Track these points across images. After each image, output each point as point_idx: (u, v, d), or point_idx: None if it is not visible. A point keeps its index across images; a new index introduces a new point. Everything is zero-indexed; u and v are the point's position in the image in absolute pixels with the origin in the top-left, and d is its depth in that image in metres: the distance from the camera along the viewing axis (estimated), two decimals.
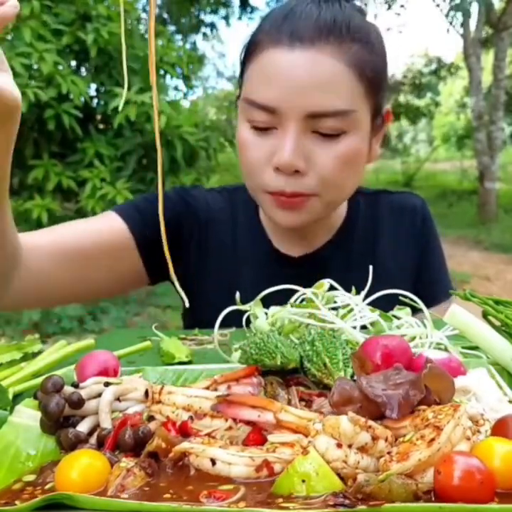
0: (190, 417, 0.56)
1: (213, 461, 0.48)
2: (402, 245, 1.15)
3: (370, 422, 0.47)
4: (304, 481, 0.45)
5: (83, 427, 0.57)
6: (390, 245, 1.14)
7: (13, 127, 0.74)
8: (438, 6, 8.92)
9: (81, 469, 0.47)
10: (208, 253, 1.12)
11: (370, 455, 0.47)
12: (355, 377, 0.58)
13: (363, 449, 0.47)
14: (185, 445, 0.49)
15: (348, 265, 1.09)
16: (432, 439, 0.46)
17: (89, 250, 1.00)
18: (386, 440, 0.48)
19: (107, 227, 1.03)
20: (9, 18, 0.64)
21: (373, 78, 0.93)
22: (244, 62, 0.96)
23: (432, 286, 1.14)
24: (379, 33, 0.97)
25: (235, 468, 0.48)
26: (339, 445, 0.46)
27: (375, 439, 0.47)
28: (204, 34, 10.48)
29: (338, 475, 0.46)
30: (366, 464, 0.46)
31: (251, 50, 0.94)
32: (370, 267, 0.86)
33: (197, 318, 1.05)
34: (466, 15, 8.25)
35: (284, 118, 0.89)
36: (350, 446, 0.46)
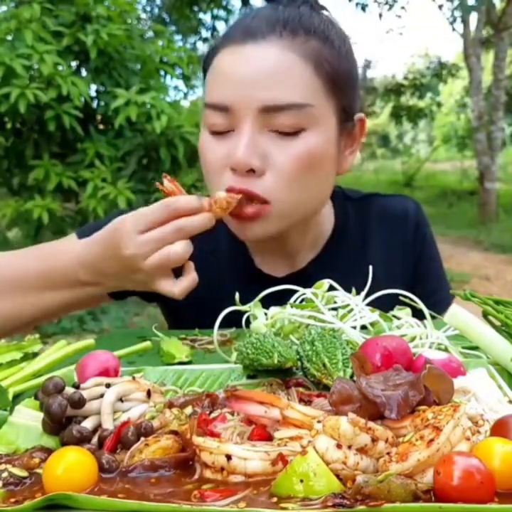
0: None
1: (229, 457, 0.48)
2: (392, 255, 1.09)
3: (370, 424, 0.47)
4: (302, 481, 0.45)
5: (85, 426, 0.57)
6: (379, 255, 1.08)
7: None
8: (440, 7, 8.92)
9: (66, 466, 0.47)
10: None
11: (370, 456, 0.47)
12: (354, 378, 0.58)
13: (362, 450, 0.47)
14: (198, 440, 0.49)
15: (337, 281, 0.93)
16: (432, 440, 0.46)
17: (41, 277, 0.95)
18: (386, 441, 0.47)
19: (65, 250, 0.96)
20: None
21: (334, 75, 0.89)
22: (205, 71, 0.95)
23: (431, 297, 1.02)
24: (346, 39, 0.94)
25: (251, 463, 0.47)
26: (339, 446, 0.46)
27: (375, 440, 0.47)
28: (205, 39, 10.45)
29: (338, 476, 0.46)
30: (366, 464, 0.46)
31: (208, 59, 0.94)
32: (370, 267, 0.86)
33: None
34: (467, 14, 8.24)
35: (238, 117, 0.86)
36: (349, 447, 0.46)
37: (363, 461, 0.46)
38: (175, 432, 0.53)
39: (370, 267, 0.86)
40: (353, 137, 0.97)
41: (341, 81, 0.91)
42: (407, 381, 0.52)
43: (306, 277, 0.98)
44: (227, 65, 0.88)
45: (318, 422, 0.49)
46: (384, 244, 1.09)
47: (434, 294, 1.08)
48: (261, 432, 0.52)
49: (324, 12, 0.95)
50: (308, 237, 1.04)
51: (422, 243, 1.11)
